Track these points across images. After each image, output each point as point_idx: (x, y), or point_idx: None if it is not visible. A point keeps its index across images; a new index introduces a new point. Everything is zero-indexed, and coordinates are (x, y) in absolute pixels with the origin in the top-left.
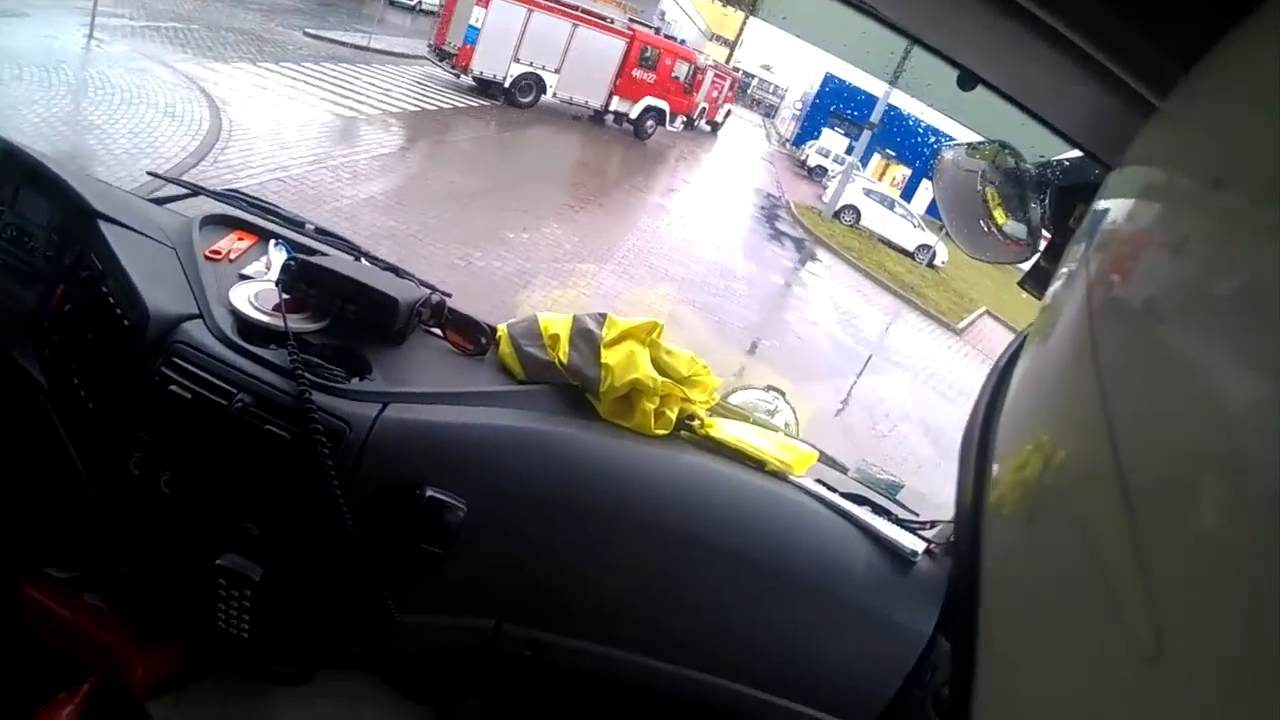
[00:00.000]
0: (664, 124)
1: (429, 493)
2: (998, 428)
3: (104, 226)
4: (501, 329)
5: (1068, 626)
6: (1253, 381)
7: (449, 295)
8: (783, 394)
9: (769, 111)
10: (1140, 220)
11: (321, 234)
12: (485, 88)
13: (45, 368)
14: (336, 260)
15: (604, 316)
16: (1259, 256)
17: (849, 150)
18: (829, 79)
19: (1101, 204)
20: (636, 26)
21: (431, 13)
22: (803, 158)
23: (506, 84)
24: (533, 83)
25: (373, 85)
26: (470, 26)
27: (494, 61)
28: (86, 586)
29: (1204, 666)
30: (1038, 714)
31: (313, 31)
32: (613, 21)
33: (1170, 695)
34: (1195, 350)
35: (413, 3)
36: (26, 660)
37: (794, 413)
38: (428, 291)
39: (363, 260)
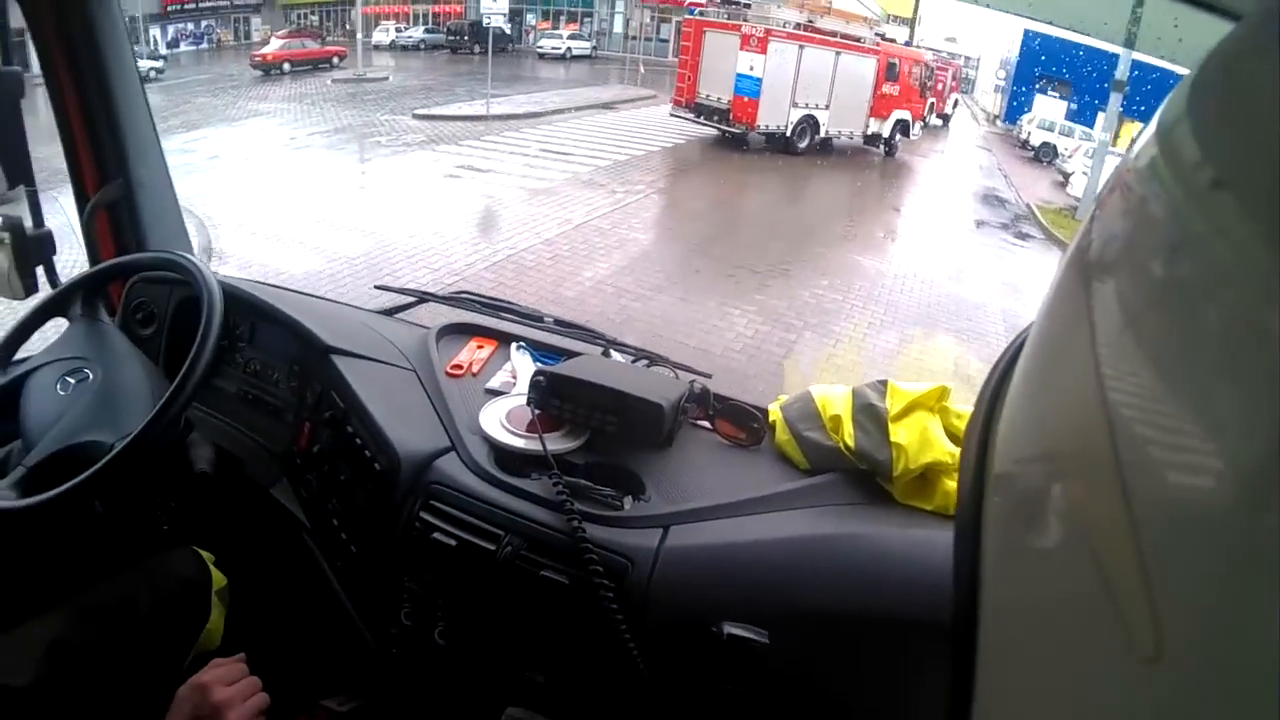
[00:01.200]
0: (908, 134)
1: (728, 630)
2: (998, 427)
3: (339, 361)
4: (775, 412)
5: (1068, 627)
6: (1252, 383)
7: (709, 376)
8: None
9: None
10: (1140, 221)
11: (561, 326)
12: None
13: (304, 507)
14: (586, 365)
15: (884, 385)
16: (1258, 258)
17: (1071, 116)
18: (1029, 38)
19: (1101, 203)
20: (881, 40)
21: (583, 58)
22: (1022, 135)
23: (789, 132)
24: (808, 125)
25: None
26: (741, 76)
27: (777, 111)
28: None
29: (1204, 667)
30: (1038, 714)
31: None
32: (862, 40)
33: (1170, 696)
34: (1195, 351)
35: (561, 50)
36: None
37: None
38: (689, 382)
39: (612, 353)
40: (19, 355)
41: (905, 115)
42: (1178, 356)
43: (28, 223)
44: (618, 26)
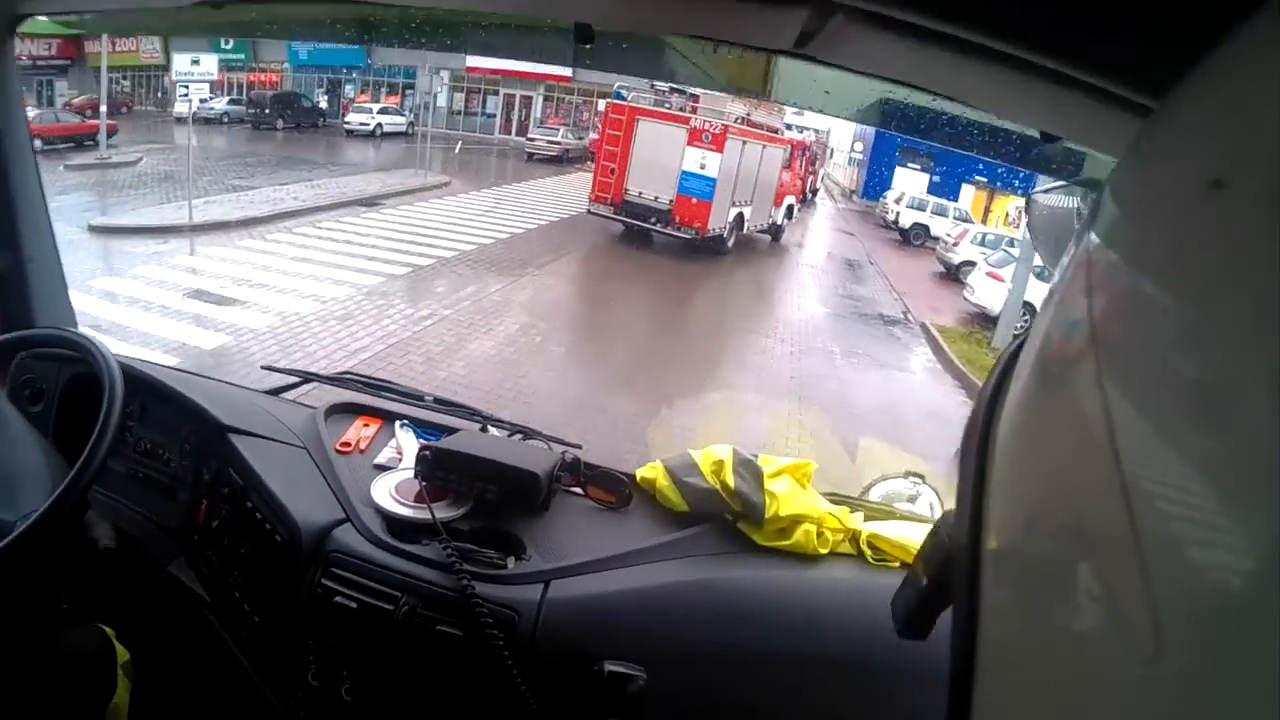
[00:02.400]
0: (792, 217)
1: (608, 667)
2: (998, 429)
3: (235, 439)
4: (657, 466)
5: (1068, 627)
6: (1252, 383)
7: (579, 447)
8: (922, 478)
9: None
10: (1139, 221)
11: (441, 404)
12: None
13: (204, 581)
14: (466, 439)
15: (757, 456)
16: (1258, 258)
17: (933, 189)
18: (887, 107)
19: (1100, 203)
20: (789, 130)
21: (397, 135)
22: (887, 215)
23: (725, 232)
24: (738, 223)
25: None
26: (689, 174)
27: (721, 212)
28: None
29: (1204, 667)
30: (1038, 714)
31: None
32: (778, 130)
33: (1170, 696)
34: (1195, 352)
35: (370, 126)
36: None
37: (936, 494)
38: (560, 451)
39: (489, 429)
40: None
41: (792, 199)
42: (1178, 357)
43: None
44: (441, 100)
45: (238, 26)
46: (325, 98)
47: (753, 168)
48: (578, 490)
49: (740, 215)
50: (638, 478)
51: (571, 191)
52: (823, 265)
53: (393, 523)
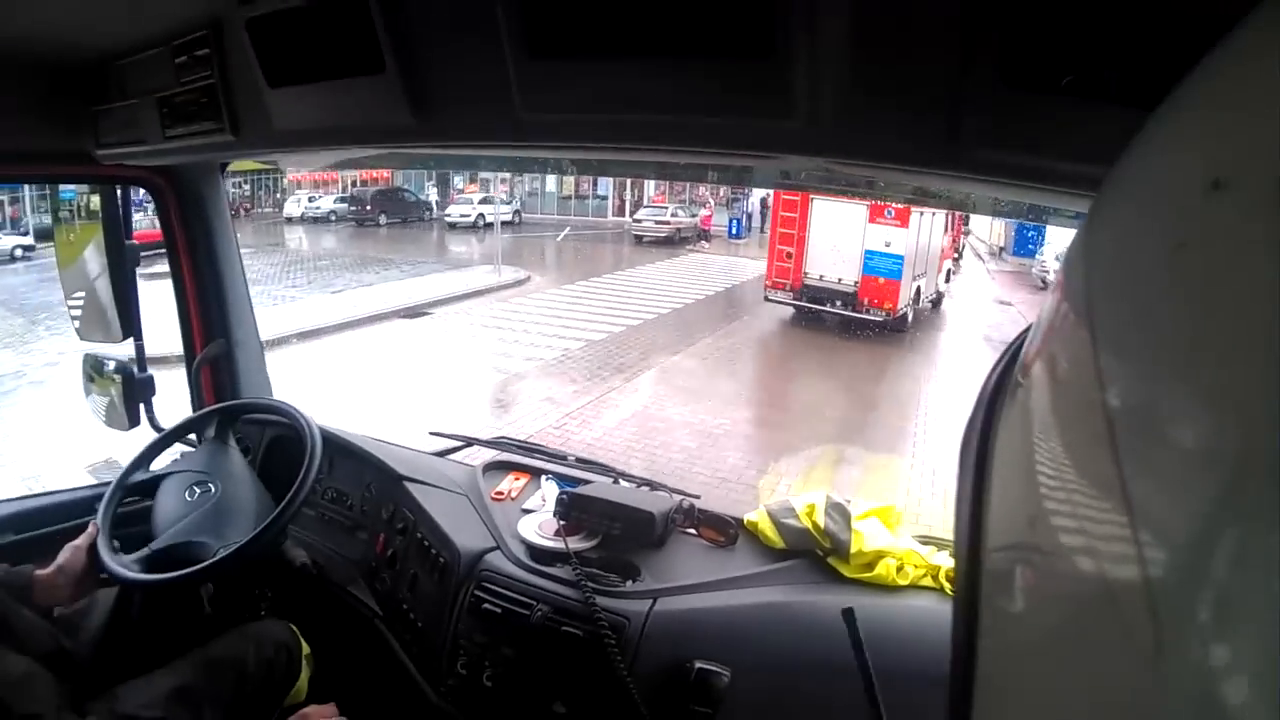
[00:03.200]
0: (949, 280)
1: (697, 665)
2: (997, 429)
3: (409, 486)
4: (760, 511)
5: (1067, 627)
6: (1252, 384)
7: (698, 497)
8: None
9: None
10: (1138, 220)
11: (581, 463)
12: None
13: (379, 599)
14: (599, 487)
15: (850, 500)
16: (1258, 258)
17: None
18: None
19: (1100, 204)
20: None
21: (505, 224)
22: (1046, 276)
23: (909, 309)
24: (914, 297)
25: None
26: (874, 253)
27: (907, 290)
28: None
29: (1204, 667)
30: (1038, 714)
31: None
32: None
33: (1170, 696)
34: (1194, 353)
35: (471, 218)
36: None
37: None
38: (678, 499)
39: (620, 481)
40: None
41: (950, 263)
42: (1179, 357)
43: (135, 368)
44: (550, 184)
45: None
46: (435, 190)
47: (926, 237)
48: (692, 531)
49: (918, 289)
50: (745, 521)
51: (683, 279)
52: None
53: (534, 551)
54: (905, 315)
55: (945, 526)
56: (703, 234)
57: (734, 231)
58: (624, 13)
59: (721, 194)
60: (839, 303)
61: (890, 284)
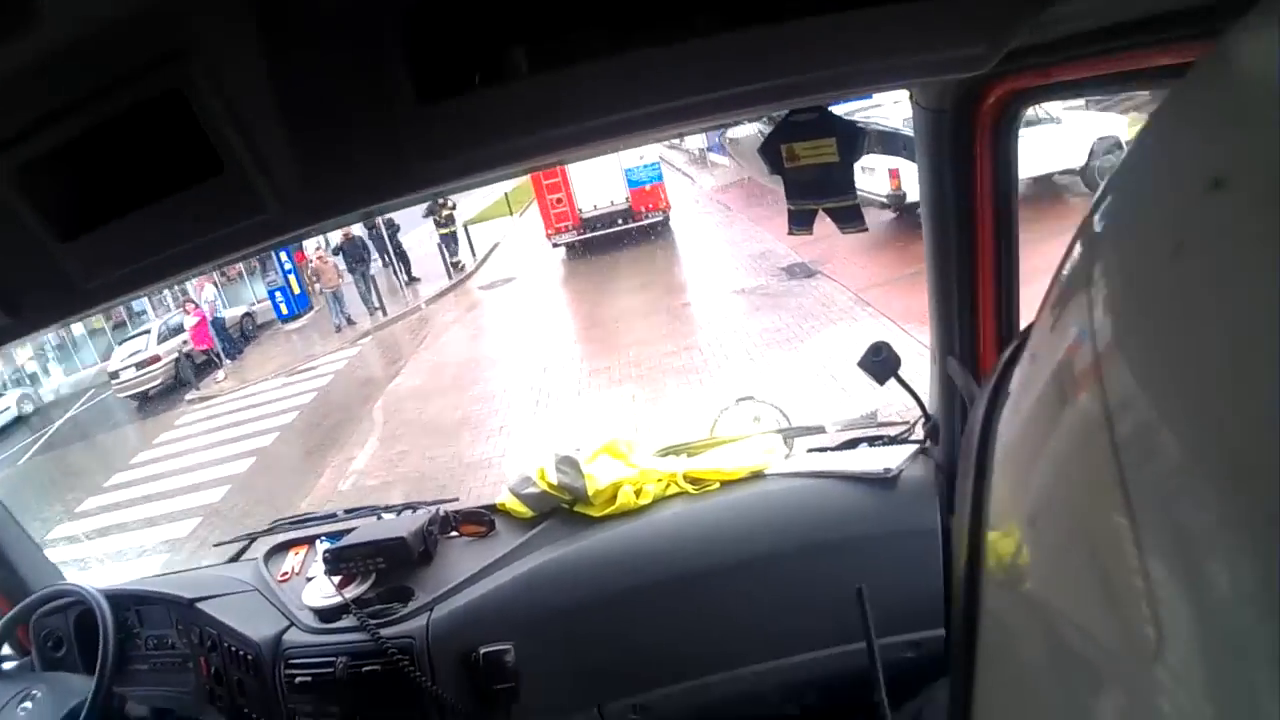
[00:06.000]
0: None
1: (481, 650)
2: (998, 429)
3: (202, 606)
4: (506, 492)
5: (1068, 626)
6: (1252, 383)
7: (455, 499)
8: (752, 397)
9: None
10: (1138, 220)
11: (348, 513)
12: None
13: (226, 714)
14: (361, 531)
15: (578, 449)
16: (1258, 258)
17: None
18: None
19: (1100, 204)
20: None
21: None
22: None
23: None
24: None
25: None
26: (632, 169)
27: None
28: None
29: (1204, 667)
30: (1038, 713)
31: None
32: None
33: (1170, 695)
34: (1194, 352)
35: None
36: None
37: (775, 408)
38: (434, 510)
39: (381, 516)
40: None
41: None
42: (1178, 357)
43: None
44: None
45: None
46: None
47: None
48: (454, 534)
49: None
50: (497, 505)
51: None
52: None
53: (321, 614)
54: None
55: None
56: (205, 359)
57: (289, 310)
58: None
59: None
60: (620, 220)
61: (655, 188)
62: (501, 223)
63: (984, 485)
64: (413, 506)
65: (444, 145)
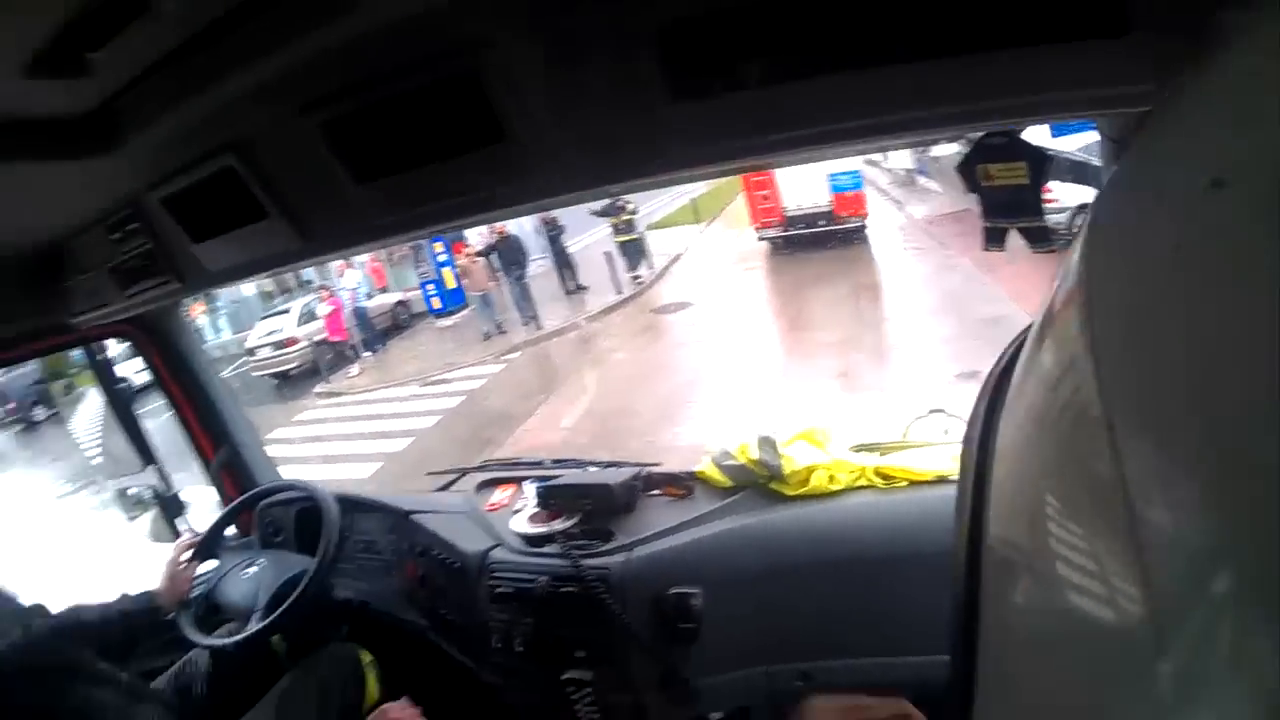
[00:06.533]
0: None
1: (672, 591)
2: (998, 428)
3: (417, 518)
4: (708, 461)
5: (1068, 626)
6: (1251, 381)
7: (658, 464)
8: (943, 410)
9: None
10: (1138, 220)
11: (556, 463)
12: None
13: (422, 614)
14: (569, 477)
15: (778, 432)
16: (1258, 258)
17: None
18: None
19: (1101, 203)
20: None
21: None
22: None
23: None
24: None
25: None
26: (836, 174)
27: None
28: None
29: (1204, 666)
30: (1038, 712)
31: None
32: None
33: (1170, 694)
34: (1194, 350)
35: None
36: None
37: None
38: (637, 469)
39: (588, 469)
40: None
41: None
42: (1178, 356)
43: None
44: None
45: None
46: None
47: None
48: (656, 492)
49: None
50: (697, 473)
51: None
52: None
53: (527, 539)
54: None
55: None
56: (338, 351)
57: (441, 305)
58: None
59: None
60: (821, 222)
61: (856, 195)
62: (685, 232)
63: (984, 484)
64: (616, 464)
65: (689, 137)
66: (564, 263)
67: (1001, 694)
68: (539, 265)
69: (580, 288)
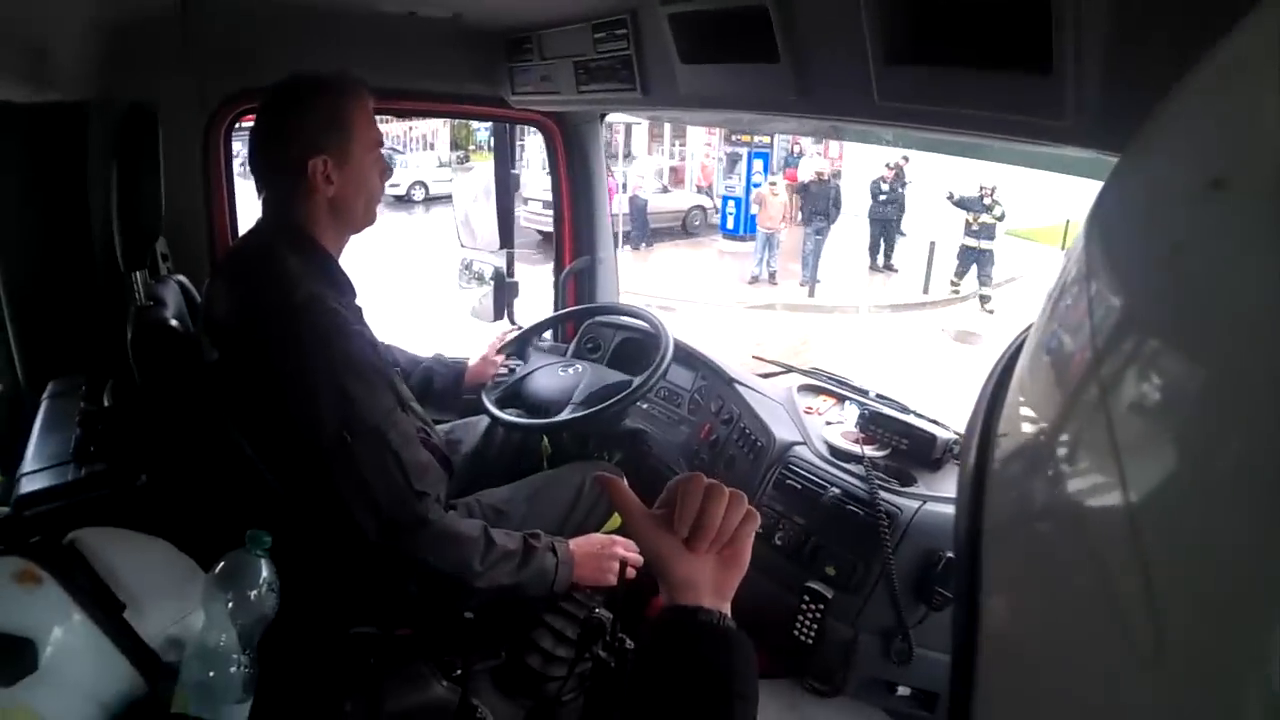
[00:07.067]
0: None
1: (947, 554)
2: (998, 429)
3: (738, 388)
4: None
5: (1068, 628)
6: (1252, 382)
7: None
8: None
9: None
10: (1138, 220)
11: (880, 398)
12: None
13: (697, 468)
14: (891, 412)
15: None
16: (1258, 258)
17: None
18: None
19: (1100, 203)
20: None
21: None
22: None
23: None
24: None
25: None
26: None
27: None
28: None
29: (1204, 667)
30: (1038, 713)
31: None
32: None
33: (1170, 695)
34: (1194, 352)
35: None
36: None
37: None
38: (959, 435)
39: (910, 414)
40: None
41: None
42: (1178, 357)
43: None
44: None
45: None
46: None
47: None
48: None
49: None
50: None
51: None
52: None
53: (834, 450)
54: None
55: None
56: None
57: (735, 227)
58: (959, 32)
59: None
60: None
61: None
62: (1040, 252)
63: (983, 484)
64: (938, 423)
65: (896, 93)
66: (885, 232)
67: (1001, 696)
68: (856, 225)
69: (890, 268)
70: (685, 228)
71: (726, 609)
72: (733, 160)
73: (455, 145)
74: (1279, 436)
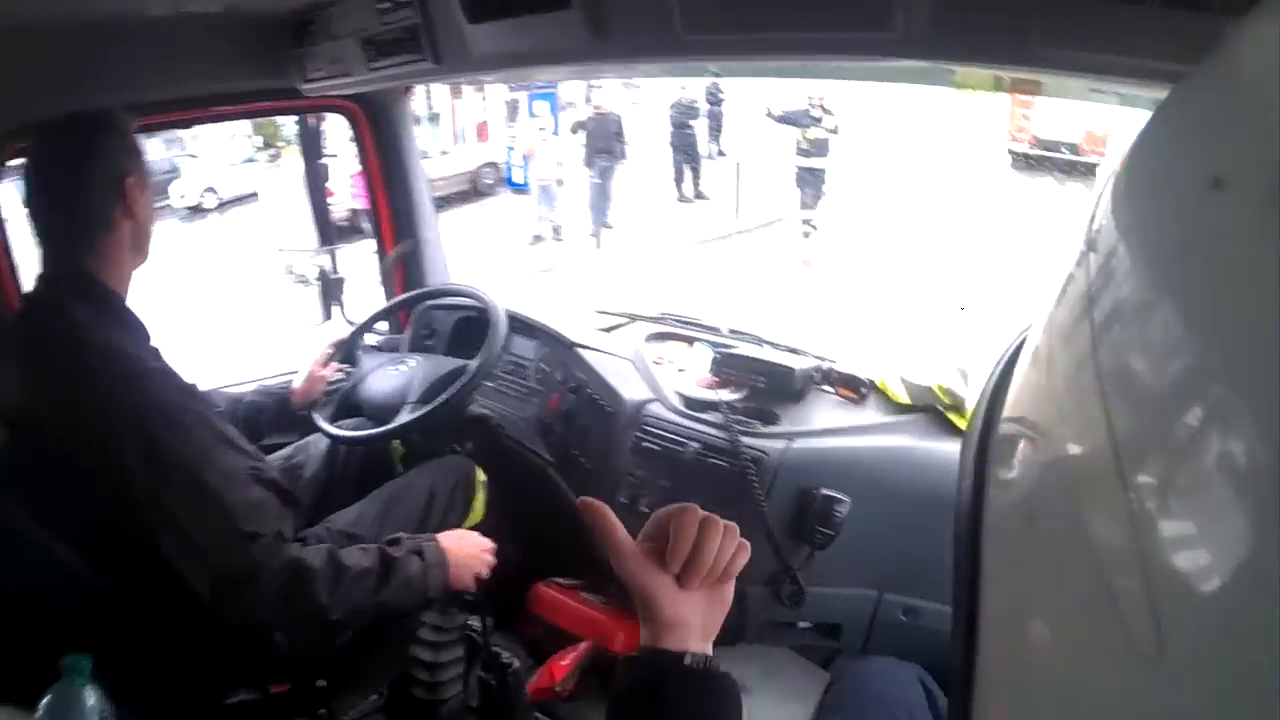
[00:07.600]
0: None
1: (821, 491)
2: (998, 428)
3: (581, 352)
4: (890, 374)
5: (1068, 627)
6: (1253, 382)
7: (835, 360)
8: None
9: None
10: (1138, 220)
11: (734, 333)
12: None
13: (551, 450)
14: (746, 349)
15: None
16: (1258, 258)
17: None
18: None
19: (1101, 202)
20: None
21: None
22: None
23: None
24: None
25: None
26: None
27: None
28: (584, 590)
29: (1204, 667)
30: (1038, 713)
31: None
32: None
33: (1170, 695)
34: (1194, 351)
35: None
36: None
37: None
38: (818, 361)
39: (765, 347)
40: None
41: None
42: (1178, 357)
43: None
44: None
45: None
46: None
47: None
48: (828, 388)
49: None
50: (877, 383)
51: None
52: None
53: (689, 401)
54: None
55: None
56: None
57: (522, 181)
58: None
59: None
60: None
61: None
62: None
63: (983, 484)
64: (795, 350)
65: (702, 25)
66: (690, 159)
67: (1001, 696)
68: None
69: (700, 196)
70: (476, 188)
71: (710, 649)
72: (512, 107)
73: (267, 144)
74: (1278, 436)
